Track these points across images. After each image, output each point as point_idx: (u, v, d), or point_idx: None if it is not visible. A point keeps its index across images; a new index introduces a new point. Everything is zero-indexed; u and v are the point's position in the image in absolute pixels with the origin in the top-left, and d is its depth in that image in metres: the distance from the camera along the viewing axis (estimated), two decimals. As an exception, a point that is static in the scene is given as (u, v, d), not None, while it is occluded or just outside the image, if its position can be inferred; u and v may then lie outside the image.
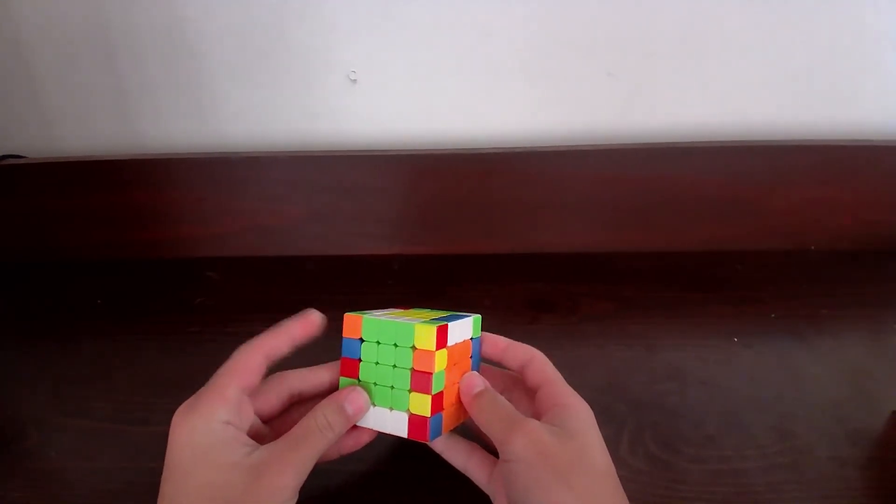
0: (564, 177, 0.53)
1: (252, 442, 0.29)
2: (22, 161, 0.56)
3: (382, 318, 0.32)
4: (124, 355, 0.47)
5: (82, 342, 0.49)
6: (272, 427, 0.32)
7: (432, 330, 0.30)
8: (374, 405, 0.31)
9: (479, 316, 0.35)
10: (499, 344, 0.35)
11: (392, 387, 0.31)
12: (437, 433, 0.31)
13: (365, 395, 0.31)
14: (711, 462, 0.36)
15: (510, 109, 0.55)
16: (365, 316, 0.32)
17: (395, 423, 0.31)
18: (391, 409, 0.31)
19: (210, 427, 0.28)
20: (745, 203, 0.54)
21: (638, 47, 0.51)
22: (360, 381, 0.32)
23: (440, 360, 0.31)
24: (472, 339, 0.34)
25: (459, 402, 0.33)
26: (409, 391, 0.31)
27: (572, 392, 0.32)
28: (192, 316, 0.51)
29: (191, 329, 0.49)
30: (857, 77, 0.52)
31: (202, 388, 0.29)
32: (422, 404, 0.30)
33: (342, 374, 0.33)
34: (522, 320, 0.49)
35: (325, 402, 0.30)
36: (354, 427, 0.32)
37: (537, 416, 0.31)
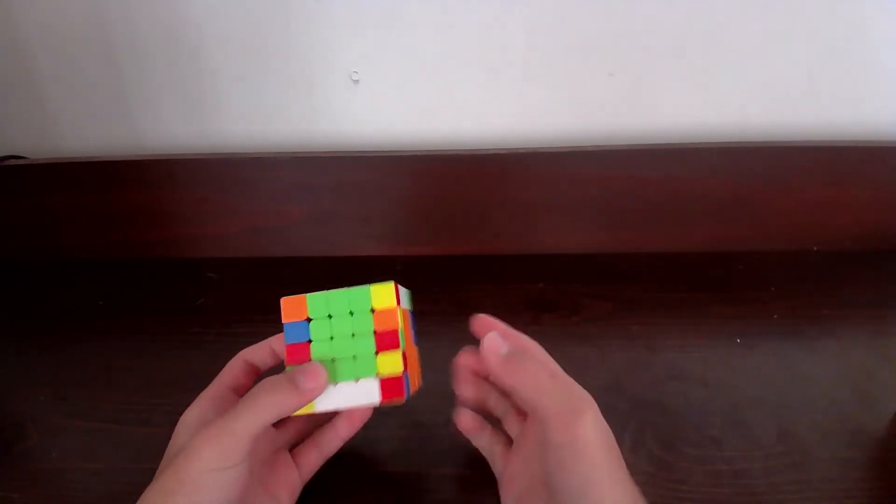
0: (565, 177, 0.53)
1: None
2: (23, 161, 0.56)
3: (327, 292, 0.32)
4: (124, 356, 0.47)
5: (82, 342, 0.49)
6: None
7: (390, 287, 0.31)
8: (337, 382, 0.31)
9: (408, 291, 0.35)
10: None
11: (354, 356, 0.31)
12: (409, 393, 0.31)
13: (323, 369, 0.30)
14: (713, 462, 0.36)
15: (511, 110, 0.55)
16: (308, 294, 0.32)
17: (365, 394, 0.30)
18: (357, 379, 0.31)
19: (190, 416, 0.31)
20: (747, 203, 0.54)
21: (638, 47, 0.51)
22: (288, 367, 0.32)
23: (400, 317, 0.31)
24: (410, 310, 0.35)
25: (413, 369, 0.33)
26: (376, 354, 0.31)
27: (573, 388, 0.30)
28: (192, 316, 0.50)
29: (191, 330, 0.49)
30: (858, 77, 0.52)
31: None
32: (392, 362, 0.31)
33: (289, 363, 0.31)
34: (523, 320, 0.49)
35: (275, 376, 0.30)
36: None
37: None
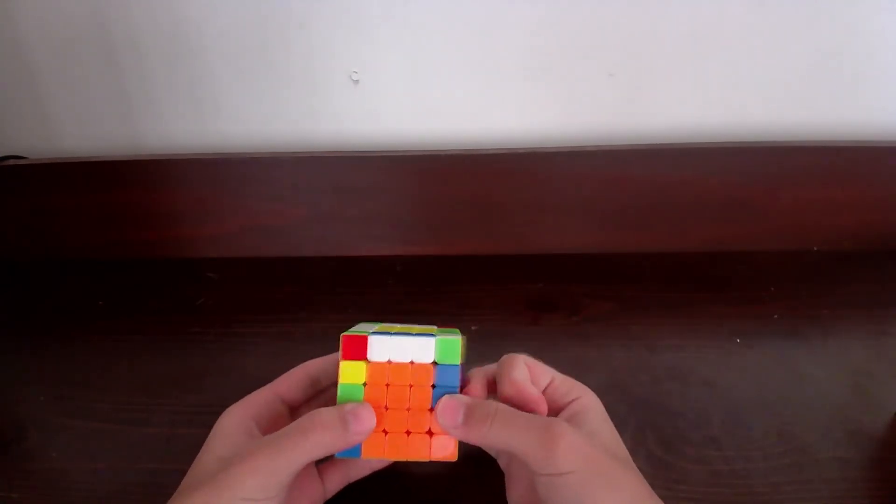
0: (565, 177, 0.53)
1: (257, 437, 0.29)
2: (23, 161, 0.56)
3: (360, 328, 0.31)
4: (125, 355, 0.47)
5: (82, 342, 0.49)
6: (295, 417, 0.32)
7: (342, 339, 0.30)
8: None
9: (452, 338, 0.31)
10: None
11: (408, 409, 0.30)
12: (348, 452, 0.29)
13: (372, 415, 0.29)
14: (713, 463, 0.36)
15: (511, 109, 0.55)
16: (370, 334, 0.31)
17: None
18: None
19: (236, 419, 0.29)
20: (747, 203, 0.54)
21: (638, 47, 0.51)
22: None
23: (348, 372, 0.30)
24: (434, 363, 0.30)
25: (412, 433, 0.30)
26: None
27: (574, 383, 0.32)
28: (192, 316, 0.50)
29: (192, 330, 0.49)
30: (857, 77, 0.52)
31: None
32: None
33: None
34: (523, 321, 0.49)
35: (326, 410, 0.28)
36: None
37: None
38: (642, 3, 0.49)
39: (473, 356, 0.45)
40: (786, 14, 0.50)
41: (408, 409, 0.30)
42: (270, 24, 0.51)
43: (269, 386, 0.32)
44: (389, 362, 0.30)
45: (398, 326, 0.33)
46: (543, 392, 0.31)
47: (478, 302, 0.51)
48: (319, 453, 0.28)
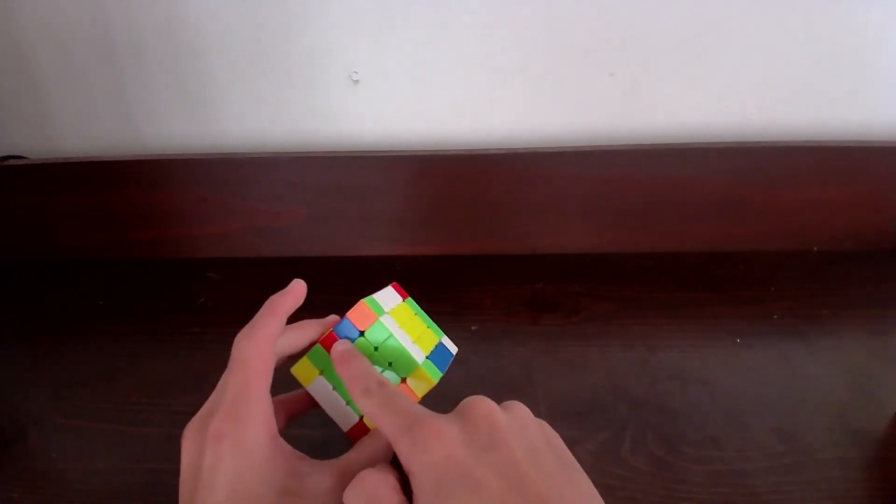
0: (565, 177, 0.53)
1: (301, 455, 0.27)
2: (23, 161, 0.56)
3: (393, 330, 0.32)
4: (125, 355, 0.47)
5: (82, 342, 0.49)
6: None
7: (426, 378, 0.31)
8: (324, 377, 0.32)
9: (434, 369, 0.32)
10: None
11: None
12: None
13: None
14: (713, 463, 0.36)
15: (511, 110, 0.55)
16: (379, 319, 0.32)
17: (343, 416, 0.31)
18: (334, 387, 0.32)
19: (258, 440, 0.26)
20: (746, 203, 0.54)
21: (638, 47, 0.51)
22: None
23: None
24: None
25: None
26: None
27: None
28: (193, 317, 0.50)
29: (192, 330, 0.49)
30: (857, 77, 0.52)
31: (228, 397, 0.27)
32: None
33: (323, 344, 0.32)
34: (523, 321, 0.49)
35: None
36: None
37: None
38: (642, 4, 0.49)
39: (474, 356, 0.45)
40: (786, 14, 0.50)
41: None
42: (271, 23, 0.51)
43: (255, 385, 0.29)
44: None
45: (414, 313, 0.35)
46: None
47: (478, 302, 0.51)
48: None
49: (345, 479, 0.24)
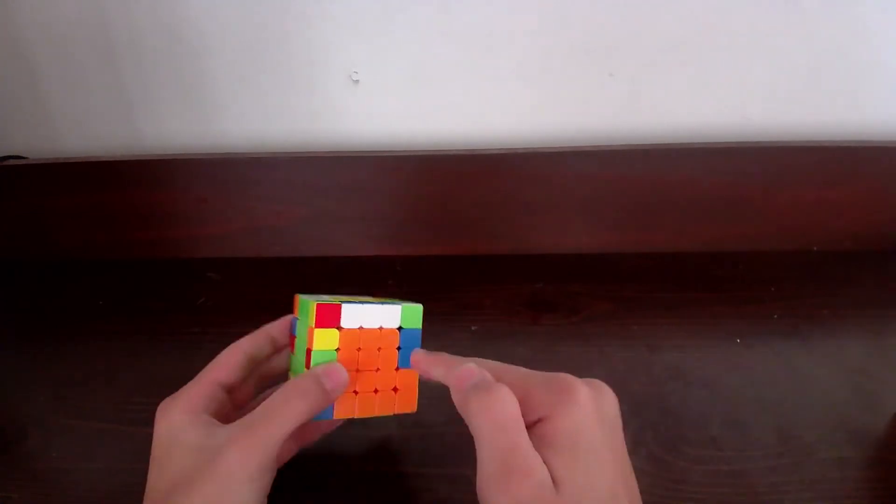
0: (565, 177, 0.53)
1: (223, 426, 0.29)
2: (23, 161, 0.56)
3: (311, 298, 0.32)
4: (125, 355, 0.47)
5: (82, 342, 0.49)
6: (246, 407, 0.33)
7: (314, 307, 0.31)
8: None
9: (415, 305, 0.34)
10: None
11: (299, 362, 0.32)
12: (321, 414, 0.30)
13: (343, 371, 0.30)
14: (713, 463, 0.36)
15: (511, 110, 0.55)
16: (301, 296, 0.34)
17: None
18: None
19: (185, 418, 0.29)
20: (746, 203, 0.54)
21: (638, 47, 0.51)
22: (291, 355, 0.34)
23: (321, 339, 0.31)
24: (399, 328, 0.34)
25: (379, 391, 0.33)
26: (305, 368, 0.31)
27: (550, 385, 0.27)
28: (193, 316, 0.50)
29: (192, 330, 0.49)
30: (857, 77, 0.52)
31: (184, 385, 0.31)
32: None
33: (293, 351, 0.34)
34: (523, 321, 0.49)
35: (299, 376, 0.30)
36: None
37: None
38: (642, 3, 0.49)
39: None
40: (786, 14, 0.50)
41: (377, 370, 0.33)
42: (270, 24, 0.51)
43: (204, 374, 0.32)
44: (361, 328, 0.32)
45: (344, 297, 0.35)
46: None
47: (478, 302, 0.51)
48: (302, 419, 0.28)
49: (244, 432, 0.27)
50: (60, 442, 0.39)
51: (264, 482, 0.27)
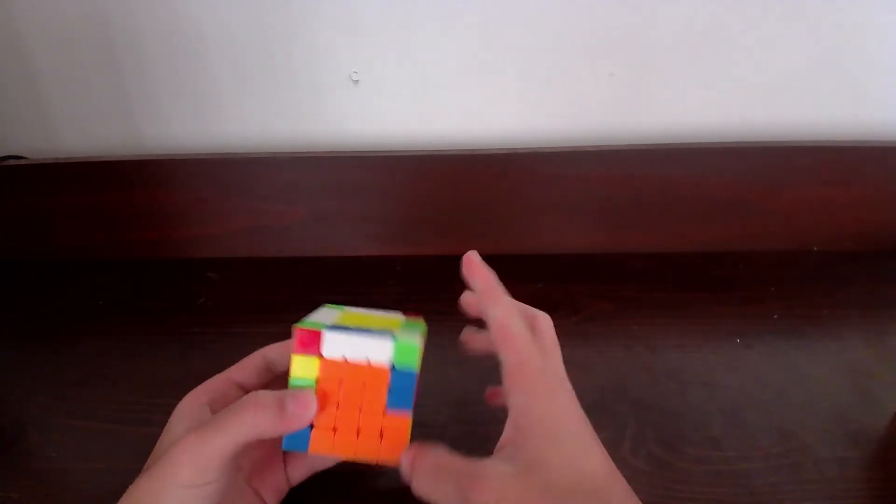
0: (565, 177, 0.53)
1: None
2: (23, 161, 0.56)
3: (325, 312, 0.31)
4: (125, 355, 0.47)
5: (82, 342, 0.49)
6: None
7: (295, 332, 0.28)
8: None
9: (410, 341, 0.29)
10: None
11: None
12: (296, 445, 0.29)
13: (313, 400, 0.28)
14: (713, 463, 0.36)
15: (511, 110, 0.55)
16: (327, 306, 0.33)
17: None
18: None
19: (187, 405, 0.30)
20: (747, 203, 0.54)
21: (639, 47, 0.51)
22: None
23: (300, 366, 0.29)
24: (392, 367, 0.29)
25: (362, 434, 0.29)
26: None
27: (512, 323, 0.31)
28: (193, 316, 0.50)
29: (192, 330, 0.49)
30: (858, 77, 0.52)
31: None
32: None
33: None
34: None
35: (265, 392, 0.28)
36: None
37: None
38: (642, 3, 0.49)
39: (473, 356, 0.45)
40: (786, 14, 0.50)
41: (360, 409, 0.29)
42: (270, 24, 0.51)
43: (225, 372, 0.32)
44: (344, 360, 0.29)
45: (361, 314, 0.33)
46: None
47: (478, 302, 0.51)
48: (254, 434, 0.26)
49: (194, 433, 0.26)
50: (60, 442, 0.39)
51: (211, 490, 0.26)
